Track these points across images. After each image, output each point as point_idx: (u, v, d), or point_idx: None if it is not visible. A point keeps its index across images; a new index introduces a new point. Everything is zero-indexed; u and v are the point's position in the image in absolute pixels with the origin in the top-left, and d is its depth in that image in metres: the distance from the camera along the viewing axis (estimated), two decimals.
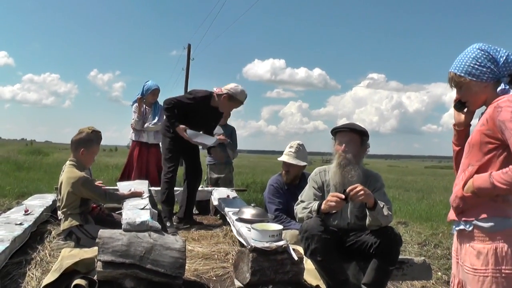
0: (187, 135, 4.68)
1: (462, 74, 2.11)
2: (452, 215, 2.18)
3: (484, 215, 2.01)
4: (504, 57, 2.05)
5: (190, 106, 4.79)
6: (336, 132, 3.37)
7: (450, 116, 2.34)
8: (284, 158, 4.47)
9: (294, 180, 4.52)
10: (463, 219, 2.10)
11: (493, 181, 1.91)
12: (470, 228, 2.05)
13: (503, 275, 1.95)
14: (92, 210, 4.33)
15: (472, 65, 2.08)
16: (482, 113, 2.11)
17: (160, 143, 5.52)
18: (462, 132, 2.28)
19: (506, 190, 1.91)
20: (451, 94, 2.19)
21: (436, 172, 42.41)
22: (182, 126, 4.72)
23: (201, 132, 4.81)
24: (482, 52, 2.08)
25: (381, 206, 3.09)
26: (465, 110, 2.24)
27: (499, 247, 1.97)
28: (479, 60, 2.07)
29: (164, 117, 5.09)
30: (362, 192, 2.96)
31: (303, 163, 4.47)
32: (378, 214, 3.07)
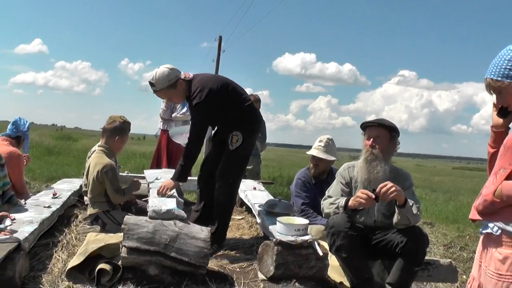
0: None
1: (500, 78, 2.02)
2: (474, 214, 2.12)
3: None
4: None
5: None
6: (366, 127, 3.32)
7: (481, 117, 2.26)
8: (313, 152, 4.43)
9: (322, 175, 4.47)
10: (489, 220, 2.04)
11: None
12: (498, 233, 1.99)
13: None
14: None
15: (509, 67, 1.99)
16: None
17: None
18: (500, 134, 2.19)
19: None
20: (483, 95, 2.11)
21: (465, 174, 41.71)
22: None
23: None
24: None
25: (410, 204, 3.04)
26: (509, 115, 2.16)
27: None
28: None
29: None
30: (393, 189, 2.91)
31: (332, 158, 4.42)
32: (407, 212, 3.01)
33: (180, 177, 3.81)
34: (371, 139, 3.23)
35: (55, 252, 3.36)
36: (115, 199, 4.16)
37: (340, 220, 3.04)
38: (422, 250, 3.09)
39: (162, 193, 3.70)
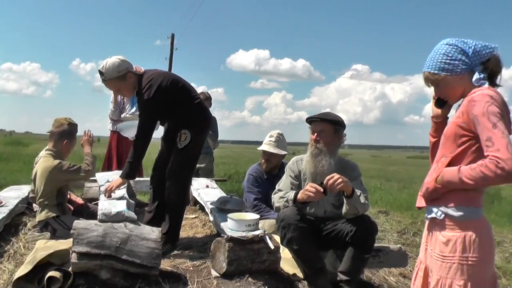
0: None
1: (436, 72, 2.13)
2: (420, 202, 2.22)
3: (455, 204, 2.05)
4: (473, 47, 2.08)
5: None
6: (311, 121, 3.37)
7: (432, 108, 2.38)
8: (264, 147, 4.47)
9: (274, 170, 4.52)
10: (433, 205, 2.13)
11: (461, 176, 1.95)
12: (442, 217, 2.09)
13: (469, 262, 2.00)
14: (72, 202, 4.33)
15: (443, 60, 2.10)
16: (459, 105, 2.13)
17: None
18: (440, 124, 2.31)
19: (473, 185, 1.94)
20: (432, 89, 2.22)
21: (418, 162, 42.91)
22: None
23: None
24: (451, 47, 2.11)
25: (358, 194, 3.11)
26: (446, 105, 2.26)
27: (467, 235, 2.01)
28: (449, 54, 2.09)
29: None
30: (340, 180, 2.96)
31: (283, 152, 4.49)
32: (355, 202, 3.08)
33: (129, 174, 3.74)
34: (316, 134, 3.29)
35: (1, 263, 3.24)
36: (87, 176, 4.21)
37: (290, 213, 3.09)
38: (371, 238, 3.17)
39: (108, 192, 3.65)
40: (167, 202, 3.86)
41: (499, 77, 2.12)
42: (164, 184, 3.89)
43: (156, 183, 4.04)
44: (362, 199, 3.11)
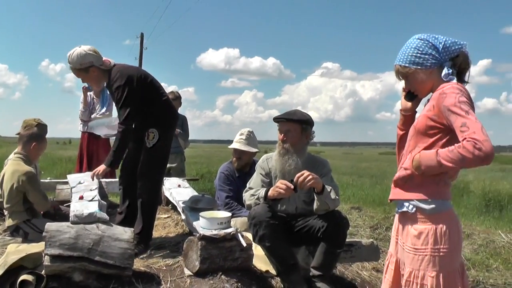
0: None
1: (407, 65, 2.18)
2: (394, 194, 2.27)
3: (426, 198, 2.10)
4: (443, 43, 2.14)
5: None
6: (278, 121, 3.40)
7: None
8: (235, 145, 4.49)
9: (245, 167, 4.53)
10: (405, 198, 2.18)
11: (439, 159, 1.97)
12: (413, 211, 2.14)
13: (440, 253, 2.06)
14: None
15: (414, 54, 2.16)
16: (429, 99, 2.19)
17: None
18: (408, 117, 2.37)
19: (451, 168, 1.97)
20: (402, 83, 2.29)
21: (390, 158, 43.43)
22: None
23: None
24: (422, 41, 2.17)
25: (329, 190, 3.14)
26: (415, 99, 2.32)
27: (438, 227, 2.07)
28: (420, 49, 2.15)
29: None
30: (310, 177, 3.00)
31: (254, 150, 4.51)
32: (326, 198, 3.11)
33: (112, 162, 3.70)
34: (282, 134, 3.32)
35: None
36: (41, 206, 4.07)
37: (261, 211, 3.11)
38: (343, 233, 3.22)
39: (97, 176, 3.69)
40: (139, 202, 3.84)
41: (467, 74, 2.19)
42: (133, 183, 3.87)
43: (125, 183, 4.02)
44: (332, 195, 3.15)
